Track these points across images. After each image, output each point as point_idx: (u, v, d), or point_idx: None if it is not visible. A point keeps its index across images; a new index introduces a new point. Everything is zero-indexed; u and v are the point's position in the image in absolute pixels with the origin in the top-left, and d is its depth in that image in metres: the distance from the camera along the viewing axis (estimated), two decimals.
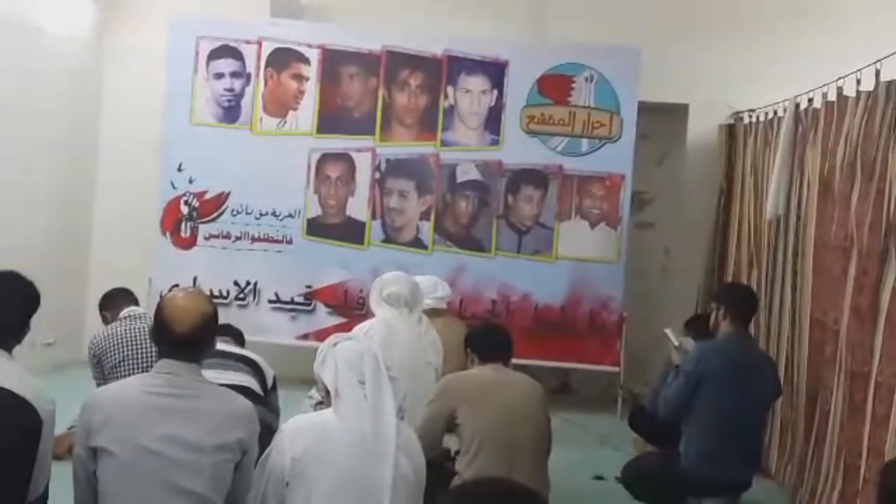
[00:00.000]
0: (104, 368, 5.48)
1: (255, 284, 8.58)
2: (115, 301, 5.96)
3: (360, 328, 5.50)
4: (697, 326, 6.57)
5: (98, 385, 5.23)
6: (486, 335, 5.31)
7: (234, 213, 8.64)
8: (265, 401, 4.89)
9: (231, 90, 8.71)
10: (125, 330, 5.50)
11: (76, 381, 6.02)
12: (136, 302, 5.97)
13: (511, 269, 8.59)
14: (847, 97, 5.90)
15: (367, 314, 6.28)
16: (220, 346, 4.81)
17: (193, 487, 3.33)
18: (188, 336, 3.49)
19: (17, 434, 3.30)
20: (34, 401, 3.38)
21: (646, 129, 8.95)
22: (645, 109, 8.68)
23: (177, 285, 8.11)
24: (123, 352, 5.42)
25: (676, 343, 6.26)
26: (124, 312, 5.70)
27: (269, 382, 5.09)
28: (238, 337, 5.52)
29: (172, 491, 3.30)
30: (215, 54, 8.71)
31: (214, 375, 4.28)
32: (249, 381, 4.88)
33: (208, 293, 8.18)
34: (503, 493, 2.03)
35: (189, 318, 3.50)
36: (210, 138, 8.64)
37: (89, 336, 5.82)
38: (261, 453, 3.58)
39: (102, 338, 5.55)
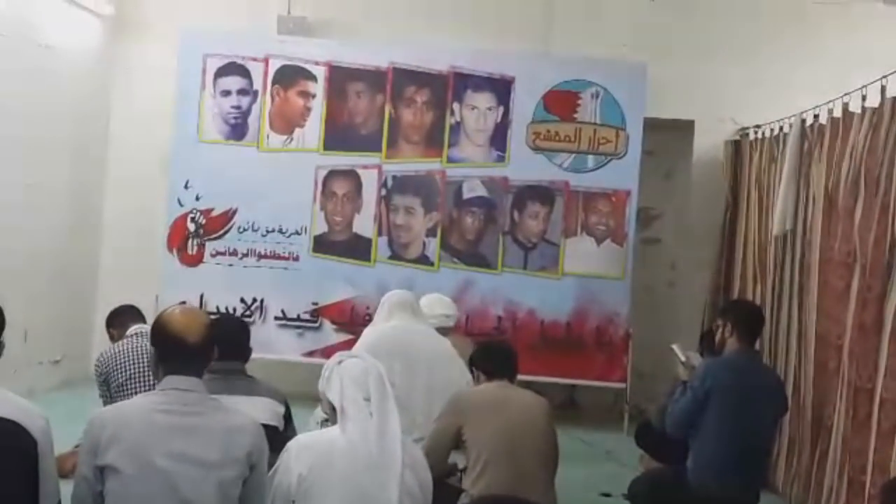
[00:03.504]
0: (111, 387, 5.47)
1: (262, 301, 8.59)
2: (122, 318, 5.95)
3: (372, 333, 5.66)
4: (710, 343, 6.55)
5: (105, 404, 5.21)
6: (490, 352, 5.30)
7: (241, 229, 8.66)
8: (287, 434, 4.80)
9: (238, 107, 8.75)
10: (132, 348, 5.49)
11: (84, 398, 6.03)
12: (143, 319, 5.96)
13: (517, 286, 8.60)
14: (853, 113, 5.92)
15: None
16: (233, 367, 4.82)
17: (202, 503, 3.33)
18: (200, 346, 3.52)
19: (15, 460, 3.24)
20: (25, 422, 3.31)
21: (652, 145, 8.96)
22: (651, 126, 8.70)
23: (184, 302, 8.13)
24: (130, 370, 5.41)
25: (683, 358, 6.24)
26: (131, 330, 5.69)
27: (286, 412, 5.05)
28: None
29: None
30: (222, 72, 8.75)
31: (245, 401, 4.34)
32: (276, 410, 4.83)
33: (215, 310, 8.26)
34: None
35: (198, 329, 3.53)
36: (217, 155, 8.68)
37: (97, 353, 5.82)
38: None
39: (109, 356, 5.54)
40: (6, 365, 3.48)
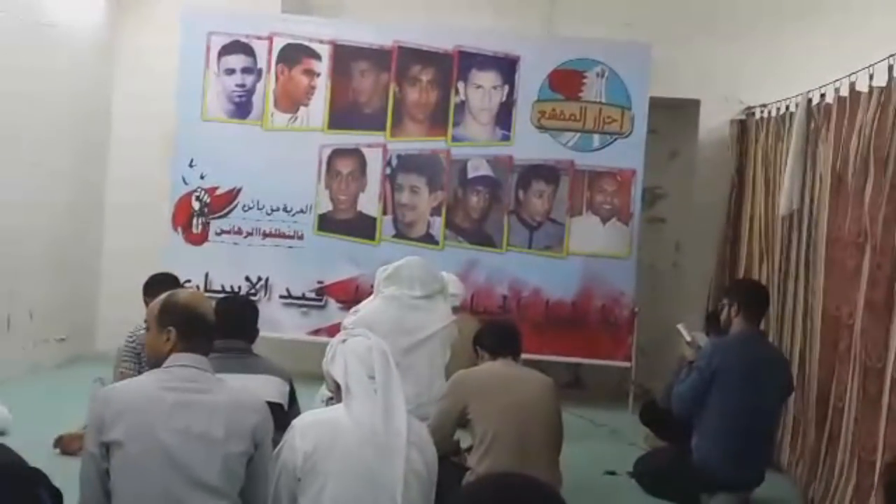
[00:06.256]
0: (142, 361, 5.33)
1: (267, 280, 8.59)
2: (159, 288, 5.76)
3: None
4: (716, 322, 6.55)
5: (124, 378, 5.16)
6: (494, 331, 5.32)
7: (246, 208, 8.64)
8: (291, 413, 4.77)
9: (242, 86, 8.71)
10: None
11: (89, 375, 6.02)
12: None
13: (522, 265, 8.58)
14: (860, 92, 5.88)
15: None
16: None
17: (208, 480, 3.34)
18: (211, 324, 3.66)
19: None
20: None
21: (657, 125, 8.94)
22: (656, 105, 8.66)
23: (188, 281, 8.12)
24: None
25: (689, 338, 6.25)
26: None
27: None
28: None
29: (187, 483, 3.31)
30: (226, 50, 8.71)
31: (251, 379, 4.36)
32: (282, 388, 4.83)
33: (220, 289, 8.29)
34: (519, 488, 2.03)
35: (209, 308, 3.69)
36: (221, 134, 8.65)
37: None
38: None
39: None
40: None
